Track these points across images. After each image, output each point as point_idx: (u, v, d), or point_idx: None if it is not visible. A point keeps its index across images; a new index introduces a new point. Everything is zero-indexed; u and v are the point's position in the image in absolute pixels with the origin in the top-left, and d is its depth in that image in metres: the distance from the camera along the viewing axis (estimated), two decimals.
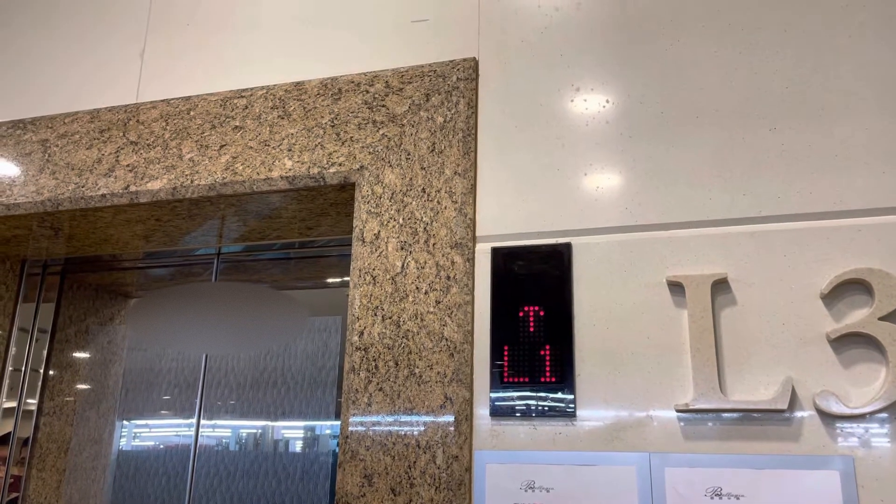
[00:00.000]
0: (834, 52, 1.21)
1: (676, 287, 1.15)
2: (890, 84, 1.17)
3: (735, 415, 1.08)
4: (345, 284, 1.71)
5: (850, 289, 1.09)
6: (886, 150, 1.14)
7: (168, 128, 1.53)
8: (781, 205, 1.15)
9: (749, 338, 1.11)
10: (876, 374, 1.05)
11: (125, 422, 1.89)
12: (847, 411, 1.03)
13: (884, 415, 1.03)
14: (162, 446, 1.81)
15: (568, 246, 1.23)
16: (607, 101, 1.29)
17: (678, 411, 1.10)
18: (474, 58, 1.39)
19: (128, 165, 1.52)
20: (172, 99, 1.56)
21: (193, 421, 1.74)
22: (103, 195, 1.51)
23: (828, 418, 1.05)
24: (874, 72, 1.18)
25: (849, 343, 1.07)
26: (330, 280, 1.86)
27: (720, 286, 1.14)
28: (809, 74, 1.21)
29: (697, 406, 1.08)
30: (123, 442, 1.89)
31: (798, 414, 1.06)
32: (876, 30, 1.20)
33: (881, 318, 1.05)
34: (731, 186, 1.19)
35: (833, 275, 1.09)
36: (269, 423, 1.74)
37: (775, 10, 1.26)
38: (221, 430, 1.77)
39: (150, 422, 1.87)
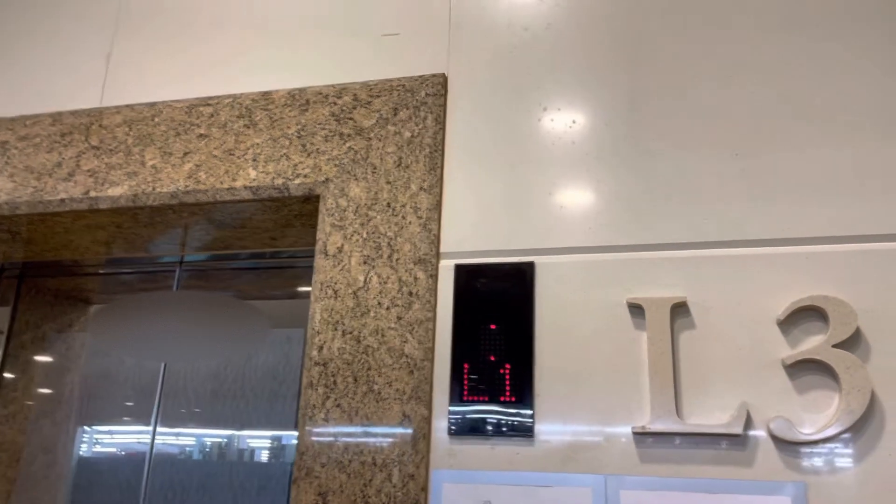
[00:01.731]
0: (796, 82, 1.22)
1: (637, 309, 1.16)
2: (849, 115, 1.18)
3: (691, 438, 1.08)
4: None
5: (805, 315, 1.10)
6: (842, 179, 1.15)
7: (131, 133, 1.50)
8: (741, 230, 1.16)
9: (706, 362, 1.12)
10: (829, 400, 1.06)
11: (85, 427, 1.85)
12: (801, 437, 1.04)
13: (836, 441, 1.04)
14: (121, 454, 1.78)
15: (531, 265, 1.23)
16: (574, 122, 1.30)
17: (635, 433, 1.10)
18: (443, 74, 1.39)
19: (88, 170, 1.49)
20: (137, 104, 1.54)
21: (150, 430, 1.70)
22: (62, 200, 1.48)
23: (782, 444, 1.05)
24: (834, 103, 1.20)
25: (804, 369, 1.08)
26: (298, 289, 1.84)
27: (679, 309, 1.14)
28: (771, 103, 1.22)
29: (654, 429, 1.09)
30: (84, 449, 1.85)
31: (752, 439, 1.06)
32: (839, 61, 1.22)
33: (835, 346, 1.06)
34: (692, 210, 1.19)
35: (789, 301, 1.10)
36: (231, 433, 1.71)
37: (740, 39, 1.27)
38: (184, 438, 1.74)
39: (107, 430, 1.83)
